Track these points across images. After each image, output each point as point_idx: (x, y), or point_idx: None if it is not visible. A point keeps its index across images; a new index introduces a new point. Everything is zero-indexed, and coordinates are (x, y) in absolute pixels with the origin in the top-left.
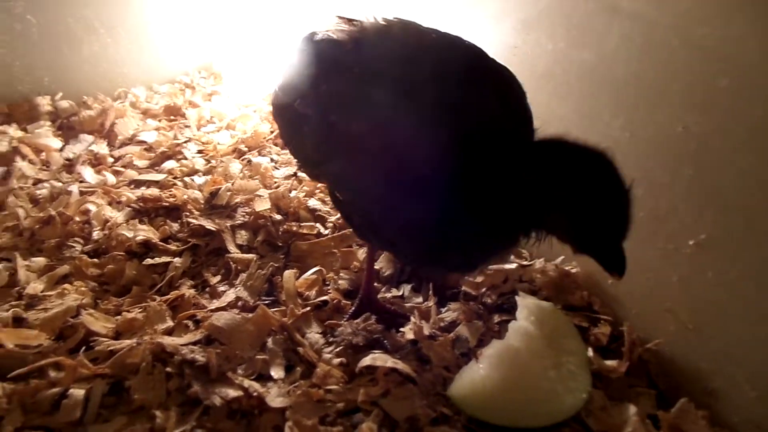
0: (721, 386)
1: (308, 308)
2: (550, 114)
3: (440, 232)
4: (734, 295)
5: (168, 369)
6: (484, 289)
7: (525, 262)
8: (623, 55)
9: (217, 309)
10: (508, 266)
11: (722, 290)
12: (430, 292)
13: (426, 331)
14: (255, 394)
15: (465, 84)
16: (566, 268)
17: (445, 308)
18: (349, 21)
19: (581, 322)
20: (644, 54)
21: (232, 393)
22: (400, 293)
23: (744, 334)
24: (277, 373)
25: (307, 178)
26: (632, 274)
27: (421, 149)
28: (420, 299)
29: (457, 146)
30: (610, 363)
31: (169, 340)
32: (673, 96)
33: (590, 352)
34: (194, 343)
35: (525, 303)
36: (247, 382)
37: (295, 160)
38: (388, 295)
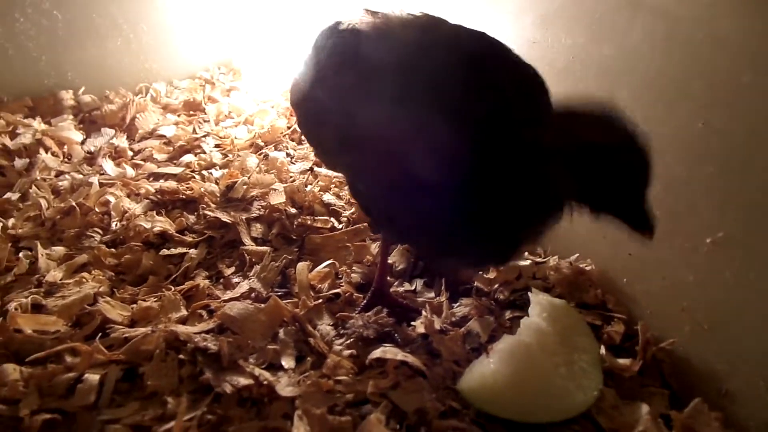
0: (736, 388)
1: (320, 300)
2: None
3: (457, 224)
4: (752, 296)
5: (181, 356)
6: (496, 285)
7: (539, 259)
8: (645, 50)
9: (231, 299)
10: (522, 263)
11: (739, 290)
12: (443, 287)
13: (437, 326)
14: (265, 382)
15: (483, 76)
16: (581, 265)
17: (457, 303)
18: (374, 13)
19: (594, 320)
20: (667, 49)
21: (243, 381)
22: (413, 287)
23: (761, 335)
24: (287, 362)
25: (323, 172)
26: (648, 272)
27: (439, 141)
28: (432, 294)
29: (473, 138)
30: (623, 361)
31: (182, 329)
32: (696, 92)
33: (603, 350)
34: (207, 332)
35: (538, 299)
36: (257, 371)
37: (313, 150)
38: (401, 289)
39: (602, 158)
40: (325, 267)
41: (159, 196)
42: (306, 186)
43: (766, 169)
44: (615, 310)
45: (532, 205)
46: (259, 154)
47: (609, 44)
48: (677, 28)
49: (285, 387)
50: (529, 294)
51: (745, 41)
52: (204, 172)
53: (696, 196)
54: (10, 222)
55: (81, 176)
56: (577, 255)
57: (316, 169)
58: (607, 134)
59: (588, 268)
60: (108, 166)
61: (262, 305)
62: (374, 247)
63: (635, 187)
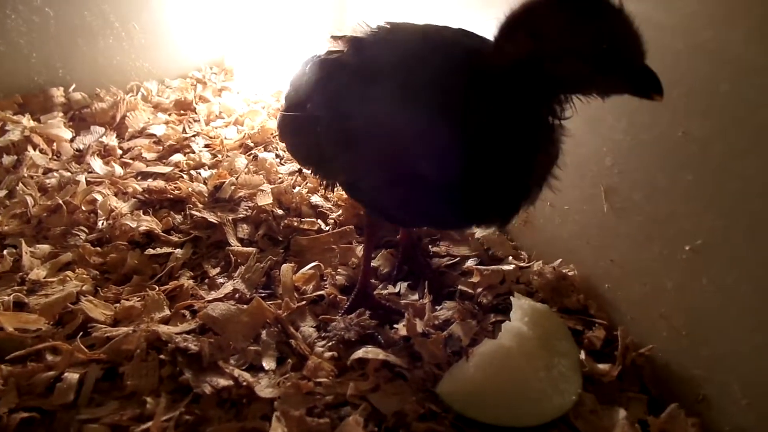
0: (712, 393)
1: (304, 302)
2: None
3: (467, 178)
4: (729, 303)
5: (162, 356)
6: (480, 289)
7: (522, 264)
8: None
9: (214, 300)
10: (505, 267)
11: (717, 297)
12: (426, 290)
13: (419, 329)
14: (244, 383)
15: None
16: (563, 270)
17: (441, 306)
18: (341, 37)
19: (576, 325)
20: (649, 57)
21: (223, 382)
22: (397, 290)
23: (737, 341)
24: (268, 364)
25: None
26: (628, 278)
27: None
28: (416, 296)
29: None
30: (602, 366)
31: (164, 329)
32: (676, 100)
33: (582, 355)
34: (188, 332)
35: (520, 304)
36: (237, 372)
37: (308, 169)
38: (385, 291)
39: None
40: (309, 269)
41: (146, 195)
42: (294, 188)
43: (742, 177)
44: (596, 316)
45: (527, 133)
46: (249, 155)
47: None
48: (660, 37)
49: (264, 388)
50: (512, 298)
51: (724, 50)
52: (192, 172)
53: (675, 203)
54: None
55: (69, 174)
56: (560, 260)
57: (304, 171)
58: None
59: (570, 274)
60: (96, 164)
61: (245, 306)
62: (359, 250)
63: (630, 53)
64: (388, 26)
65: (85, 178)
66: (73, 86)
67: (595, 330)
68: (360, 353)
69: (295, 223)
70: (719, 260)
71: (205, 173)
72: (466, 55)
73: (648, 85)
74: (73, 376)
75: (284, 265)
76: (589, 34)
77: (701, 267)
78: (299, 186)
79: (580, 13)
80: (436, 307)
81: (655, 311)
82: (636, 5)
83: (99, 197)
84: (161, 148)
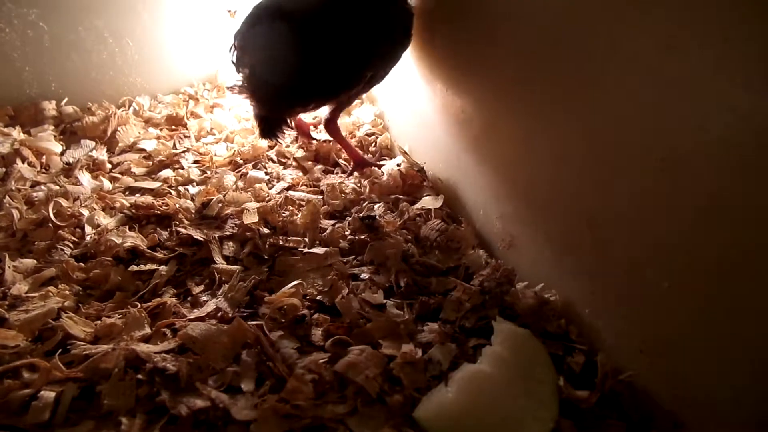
0: (689, 421)
1: (284, 322)
2: None
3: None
4: (705, 334)
5: (139, 376)
6: (463, 313)
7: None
8: None
9: (196, 319)
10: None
11: (695, 329)
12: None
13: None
14: (221, 405)
15: None
16: (546, 295)
17: (422, 329)
18: None
19: (557, 350)
20: None
21: (200, 403)
22: (383, 304)
23: (712, 371)
24: (246, 385)
25: (298, 195)
26: (609, 305)
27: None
28: (400, 312)
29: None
30: (581, 393)
31: (143, 347)
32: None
33: (561, 381)
34: (168, 352)
35: (501, 328)
36: (214, 393)
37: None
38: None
39: None
40: (291, 288)
41: (134, 211)
42: (281, 206)
43: (719, 221)
44: (577, 341)
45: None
46: (237, 172)
47: None
48: None
49: (241, 410)
50: (493, 322)
51: None
52: (181, 188)
53: (657, 240)
54: None
55: (57, 187)
56: (543, 284)
57: (291, 192)
58: None
59: (552, 299)
60: (84, 178)
61: (226, 326)
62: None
63: None
64: None
65: (73, 192)
66: (66, 100)
67: (576, 356)
68: (342, 367)
69: (281, 242)
70: (697, 296)
71: (193, 190)
72: None
73: None
74: (49, 395)
75: (268, 284)
76: None
77: (681, 301)
78: (291, 206)
79: None
80: (419, 328)
81: (636, 339)
82: None
83: (86, 212)
84: (151, 163)
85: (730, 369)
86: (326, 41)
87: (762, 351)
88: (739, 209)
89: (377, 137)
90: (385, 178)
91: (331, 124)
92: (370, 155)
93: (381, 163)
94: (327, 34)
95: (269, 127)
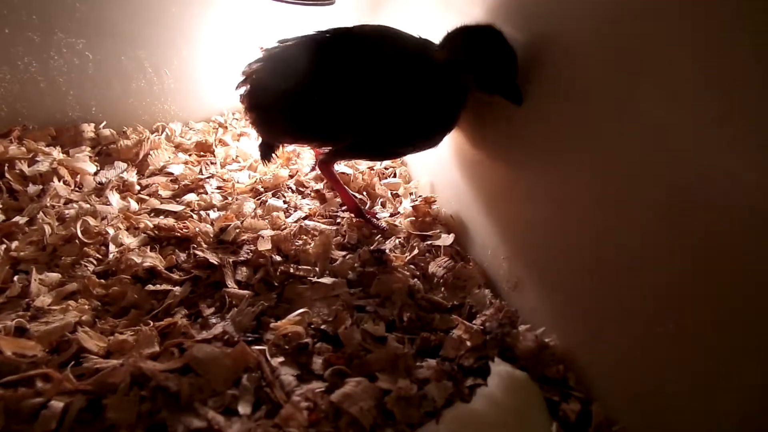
0: None
1: (287, 349)
2: None
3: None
4: (697, 385)
5: (143, 392)
6: (463, 351)
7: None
8: None
9: (203, 340)
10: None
11: (689, 379)
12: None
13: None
14: (216, 427)
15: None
16: (546, 339)
17: (421, 365)
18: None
19: (553, 395)
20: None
21: (197, 423)
22: (384, 338)
23: (705, 422)
24: (243, 409)
25: (312, 225)
26: (606, 354)
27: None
28: (400, 347)
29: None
30: None
31: (149, 365)
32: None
33: (554, 428)
34: (172, 371)
35: (498, 370)
36: (211, 414)
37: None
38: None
39: (481, 57)
40: (296, 316)
41: (156, 232)
42: (294, 235)
43: (715, 272)
44: (575, 388)
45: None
46: (258, 200)
47: None
48: None
49: None
50: (491, 363)
51: None
52: (202, 212)
53: (655, 288)
54: (14, 245)
55: (87, 206)
56: (544, 329)
57: (306, 222)
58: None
59: (553, 343)
60: (113, 198)
61: (230, 350)
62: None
63: (507, 75)
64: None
65: (101, 211)
66: (104, 123)
67: (571, 403)
68: (338, 398)
69: (292, 270)
70: (689, 345)
71: (213, 214)
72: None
73: (514, 97)
74: (58, 405)
75: (275, 311)
76: (478, 56)
77: (673, 350)
78: (306, 236)
79: (474, 41)
80: (417, 363)
81: (630, 389)
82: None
83: (111, 230)
84: (177, 186)
85: (721, 425)
86: (325, 84)
87: (752, 404)
88: (736, 260)
89: (395, 169)
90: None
91: (325, 165)
92: (371, 206)
93: (376, 214)
94: (327, 76)
95: (268, 152)
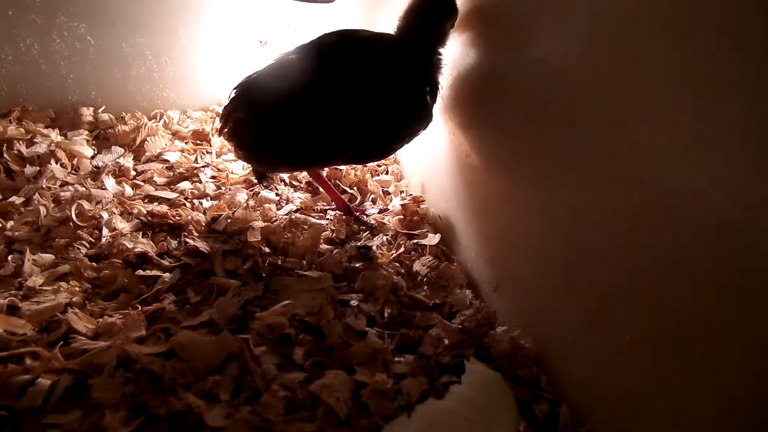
0: None
1: (270, 338)
2: None
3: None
4: (663, 388)
5: (128, 374)
6: (440, 349)
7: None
8: None
9: (188, 326)
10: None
11: (654, 384)
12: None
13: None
14: (196, 410)
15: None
16: (521, 341)
17: (398, 359)
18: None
19: (525, 396)
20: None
21: (177, 406)
22: (365, 332)
23: (673, 425)
24: (223, 394)
25: (302, 218)
26: (576, 357)
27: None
28: (378, 340)
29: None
30: None
31: (135, 348)
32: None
33: (522, 427)
34: (157, 355)
35: (472, 368)
36: (191, 398)
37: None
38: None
39: None
40: (281, 307)
41: (149, 218)
42: (284, 228)
43: (681, 283)
44: (545, 389)
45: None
46: (250, 191)
47: None
48: None
49: (214, 417)
50: (466, 362)
51: None
52: (195, 201)
53: (623, 295)
54: (9, 224)
55: (83, 189)
56: (519, 331)
57: (297, 215)
58: None
59: (527, 345)
60: (109, 183)
61: (214, 337)
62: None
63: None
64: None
65: (96, 195)
66: (103, 108)
67: (540, 404)
68: (316, 387)
69: (279, 262)
70: (656, 352)
71: (206, 203)
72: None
73: None
74: (45, 382)
75: (260, 301)
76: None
77: (640, 355)
78: (295, 228)
79: None
80: (395, 358)
81: (599, 392)
82: None
83: (105, 215)
84: (172, 174)
85: (686, 426)
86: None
87: (711, 408)
88: (701, 269)
89: (387, 167)
90: (372, 220)
91: (313, 170)
92: (361, 202)
93: (365, 210)
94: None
95: (262, 177)
